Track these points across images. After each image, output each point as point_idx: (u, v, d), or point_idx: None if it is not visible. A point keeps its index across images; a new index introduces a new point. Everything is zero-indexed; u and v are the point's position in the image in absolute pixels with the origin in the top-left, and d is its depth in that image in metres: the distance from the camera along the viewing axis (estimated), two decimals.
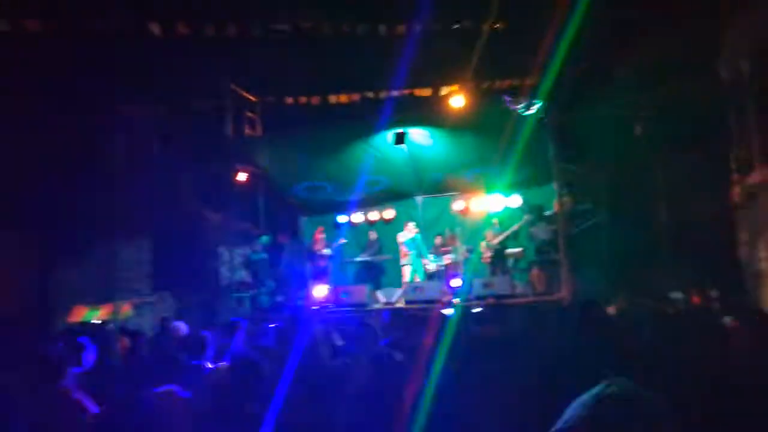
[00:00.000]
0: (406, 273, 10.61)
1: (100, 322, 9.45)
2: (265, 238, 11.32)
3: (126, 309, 10.00)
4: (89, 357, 4.86)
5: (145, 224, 10.93)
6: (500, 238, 10.26)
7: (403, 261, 10.78)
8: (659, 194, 9.84)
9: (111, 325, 8.97)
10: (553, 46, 8.94)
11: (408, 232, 10.81)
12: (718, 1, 9.75)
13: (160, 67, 12.13)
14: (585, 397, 1.14)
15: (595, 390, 1.15)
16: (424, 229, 11.19)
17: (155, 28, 10.74)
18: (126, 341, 5.69)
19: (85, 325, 9.43)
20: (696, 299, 6.74)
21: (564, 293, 8.61)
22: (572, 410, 1.12)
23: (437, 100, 13.24)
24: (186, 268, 10.46)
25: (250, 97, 12.28)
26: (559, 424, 1.12)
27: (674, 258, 8.99)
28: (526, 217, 10.32)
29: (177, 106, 12.41)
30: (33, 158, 10.34)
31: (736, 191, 9.02)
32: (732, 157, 9.04)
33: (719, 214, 9.11)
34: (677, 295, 7.54)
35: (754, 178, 8.44)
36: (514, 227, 10.27)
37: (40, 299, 9.85)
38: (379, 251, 11.29)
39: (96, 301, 9.88)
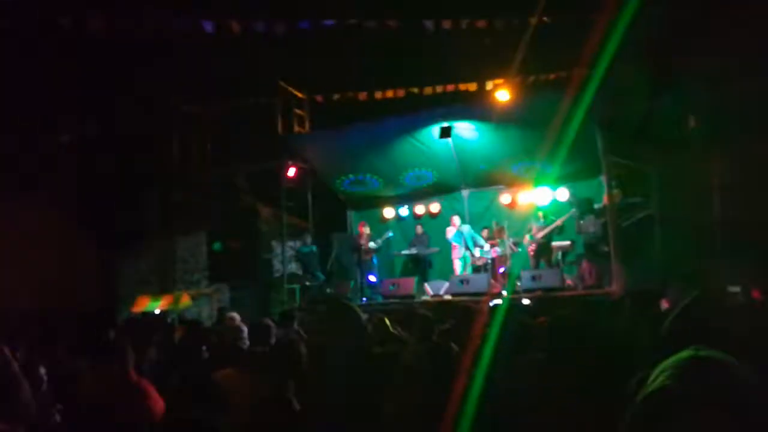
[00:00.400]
0: (456, 266, 10.71)
1: (160, 312, 9.97)
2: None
3: (185, 300, 10.49)
4: (150, 346, 5.17)
5: (202, 219, 11.43)
6: (545, 231, 10.25)
7: (453, 254, 10.88)
8: (713, 187, 9.62)
9: (171, 315, 9.47)
10: (603, 40, 8.85)
11: (454, 227, 10.89)
12: None
13: (212, 66, 12.60)
14: (674, 361, 1.08)
15: (685, 353, 1.09)
16: (470, 222, 11.25)
17: (208, 27, 11.08)
18: (182, 330, 5.96)
19: (147, 315, 9.99)
20: (756, 294, 6.60)
21: (614, 287, 8.55)
22: (661, 373, 1.07)
23: (483, 94, 13.26)
24: (241, 261, 10.87)
25: (299, 94, 12.60)
26: (650, 387, 1.06)
27: (730, 252, 8.79)
28: (572, 211, 10.27)
29: (230, 105, 12.86)
30: (95, 159, 10.95)
31: None
32: None
33: None
34: (735, 288, 7.40)
35: None
36: (558, 222, 10.23)
37: (107, 291, 10.44)
38: (426, 245, 11.42)
39: (157, 293, 10.38)
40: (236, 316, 6.09)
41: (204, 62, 12.56)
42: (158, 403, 3.19)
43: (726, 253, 8.95)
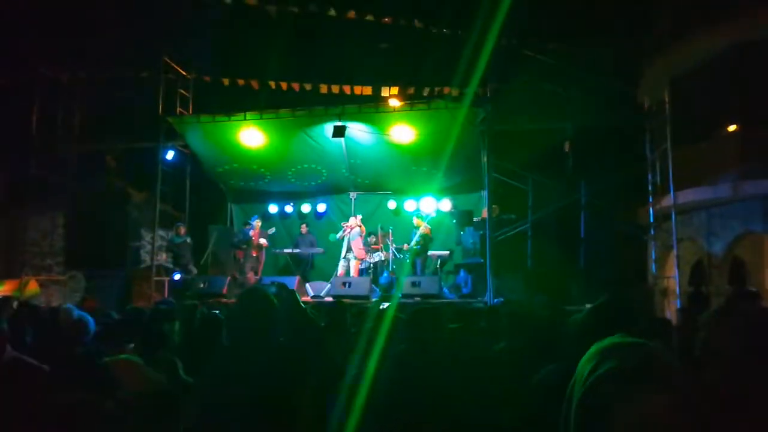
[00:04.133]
0: (340, 267, 10.60)
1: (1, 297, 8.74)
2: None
3: (32, 286, 9.31)
4: None
5: (61, 199, 10.21)
6: (412, 243, 10.46)
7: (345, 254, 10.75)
8: (580, 209, 10.43)
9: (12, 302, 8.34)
10: (490, 58, 9.28)
11: (347, 228, 10.78)
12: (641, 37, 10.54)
13: (90, 28, 11.42)
14: (608, 346, 1.11)
15: (615, 339, 1.13)
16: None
17: None
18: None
19: None
20: None
21: (487, 296, 8.92)
22: (599, 360, 1.09)
23: (378, 99, 13.36)
24: (103, 247, 9.86)
25: (185, 74, 11.81)
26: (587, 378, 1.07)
27: (590, 270, 9.56)
28: (422, 227, 10.52)
29: (106, 76, 11.74)
30: None
31: (649, 213, 9.74)
32: (649, 180, 9.74)
33: (633, 232, 9.80)
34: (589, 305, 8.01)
35: (667, 201, 9.15)
36: (417, 235, 10.48)
37: None
38: (311, 244, 11.19)
39: (1, 277, 9.12)
40: (72, 309, 5.35)
41: (82, 26, 11.35)
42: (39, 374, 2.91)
43: (585, 272, 9.75)
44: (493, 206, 9.90)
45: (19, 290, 9.21)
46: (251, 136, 10.66)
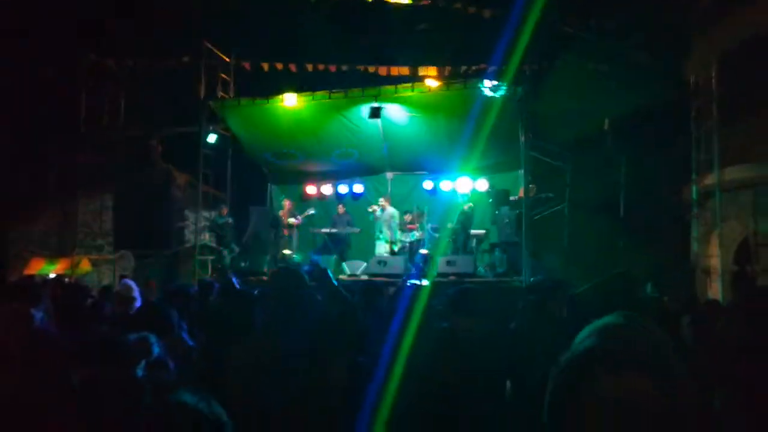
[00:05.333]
0: (379, 247, 10.74)
1: (55, 276, 9.26)
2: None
3: (84, 265, 9.79)
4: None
5: (109, 182, 10.65)
6: (455, 222, 10.47)
7: (377, 234, 10.90)
8: (620, 188, 10.24)
9: (66, 279, 8.82)
10: (531, 37, 9.13)
11: (380, 207, 10.90)
12: (688, 12, 10.15)
13: (133, 18, 11.76)
14: (598, 325, 1.10)
15: (609, 318, 1.10)
16: (393, 205, 11.31)
17: None
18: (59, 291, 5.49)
19: (38, 278, 9.23)
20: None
21: (524, 275, 8.90)
22: (587, 337, 1.07)
23: (415, 80, 13.33)
24: (150, 228, 10.26)
25: (225, 58, 12.05)
26: (574, 348, 1.07)
27: (630, 250, 9.40)
28: (466, 206, 10.50)
29: (149, 61, 12.08)
30: None
31: (693, 190, 9.48)
32: (693, 158, 9.47)
33: (676, 211, 9.56)
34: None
35: (712, 179, 8.89)
36: (457, 222, 10.47)
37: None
38: (348, 224, 11.35)
39: (55, 256, 9.61)
40: (132, 284, 5.62)
41: (125, 12, 11.69)
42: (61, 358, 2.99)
43: (627, 251, 9.59)
44: (531, 185, 9.82)
45: (72, 269, 9.71)
46: (289, 117, 10.83)
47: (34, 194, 9.87)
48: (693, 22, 10.30)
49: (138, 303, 5.07)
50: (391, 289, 7.24)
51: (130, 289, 5.41)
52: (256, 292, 5.08)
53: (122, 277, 9.32)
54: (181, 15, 11.89)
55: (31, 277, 8.16)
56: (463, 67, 13.56)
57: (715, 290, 8.56)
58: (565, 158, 10.37)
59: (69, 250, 9.94)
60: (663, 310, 3.77)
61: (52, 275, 9.46)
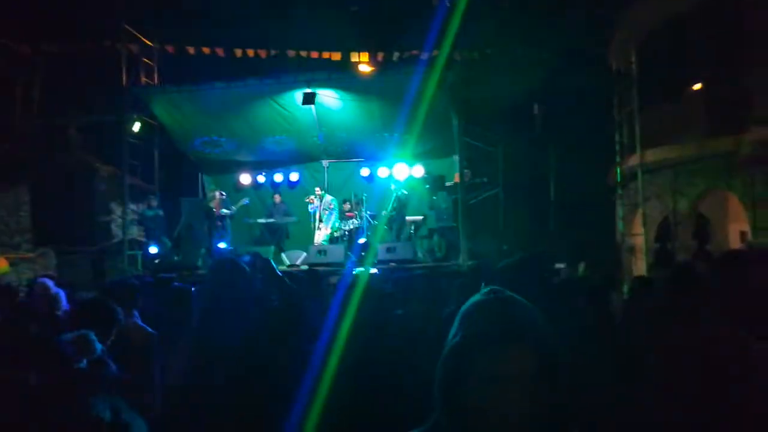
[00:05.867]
0: (316, 236, 10.63)
1: None
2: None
3: (2, 264, 9.14)
4: None
5: (23, 172, 9.94)
6: (389, 209, 10.53)
7: (314, 224, 10.77)
8: (550, 171, 10.59)
9: None
10: (462, 22, 9.22)
11: (317, 196, 10.78)
12: None
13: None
14: (477, 301, 1.16)
15: (484, 293, 1.17)
16: (330, 193, 11.20)
17: None
18: None
19: None
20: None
21: (461, 259, 9.07)
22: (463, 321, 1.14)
23: (347, 65, 13.19)
24: (72, 223, 9.68)
25: (148, 42, 11.45)
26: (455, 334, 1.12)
27: (560, 231, 9.76)
28: (402, 193, 10.60)
29: (66, 47, 11.32)
30: None
31: (618, 172, 9.94)
32: (617, 141, 9.90)
33: (602, 192, 10.00)
34: (561, 265, 8.24)
35: (634, 160, 9.34)
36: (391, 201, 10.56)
37: None
38: (284, 214, 11.16)
39: None
40: (49, 283, 5.31)
41: None
42: None
43: (556, 232, 9.96)
44: (465, 171, 9.98)
45: None
46: (219, 105, 10.47)
47: None
48: (613, 8, 10.72)
49: (64, 301, 4.81)
50: (333, 278, 7.21)
51: (47, 288, 5.10)
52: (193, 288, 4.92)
53: (43, 276, 8.77)
54: None
55: None
56: (396, 53, 13.55)
57: (640, 267, 9.05)
58: (497, 143, 10.60)
59: None
60: (592, 288, 3.95)
61: None
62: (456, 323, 1.16)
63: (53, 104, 10.99)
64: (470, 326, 1.11)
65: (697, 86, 9.30)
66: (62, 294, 4.90)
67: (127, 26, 10.83)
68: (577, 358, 1.76)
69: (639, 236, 9.33)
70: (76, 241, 9.95)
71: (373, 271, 8.30)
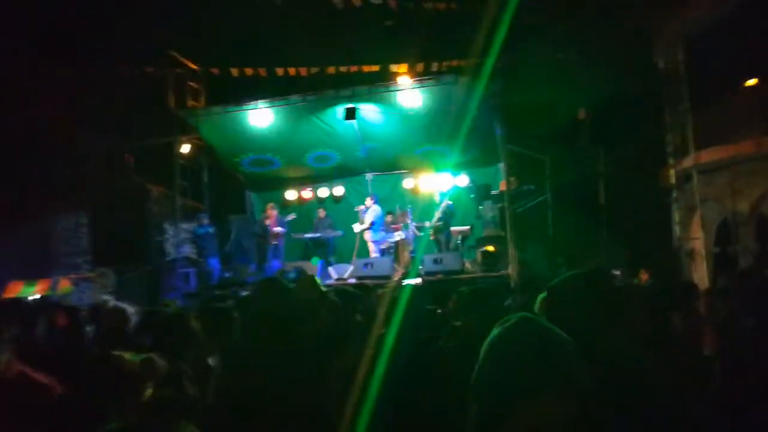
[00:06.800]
0: (361, 249, 10.68)
1: (36, 297, 8.99)
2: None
3: (64, 285, 9.52)
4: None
5: (84, 198, 10.38)
6: (433, 220, 10.46)
7: (357, 237, 10.83)
8: (599, 177, 10.35)
9: (48, 301, 8.56)
10: (500, 29, 9.14)
11: (365, 207, 10.83)
12: None
13: (98, 30, 11.44)
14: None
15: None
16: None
17: None
18: (64, 316, 5.40)
19: (18, 301, 8.96)
20: (644, 276, 7.18)
21: (510, 270, 8.94)
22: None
23: (387, 77, 13.25)
24: (128, 244, 10.03)
25: (193, 66, 11.81)
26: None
27: (613, 237, 9.51)
28: (446, 203, 10.51)
29: (117, 73, 11.76)
30: None
31: (671, 174, 9.63)
32: (668, 142, 9.61)
33: (655, 196, 9.70)
34: (616, 271, 8.02)
35: (688, 162, 9.03)
36: (437, 213, 10.47)
37: None
38: (329, 228, 11.26)
39: (33, 278, 9.33)
40: (109, 299, 5.58)
41: (88, 25, 11.36)
42: (48, 391, 2.85)
43: (609, 238, 9.70)
44: (511, 178, 9.87)
45: (52, 290, 9.43)
46: (264, 123, 10.69)
47: (8, 215, 9.60)
48: (659, 7, 10.46)
49: (133, 318, 4.98)
50: (380, 291, 7.22)
51: (117, 306, 5.31)
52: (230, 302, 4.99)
53: (104, 295, 9.09)
54: (144, 24, 11.61)
55: (18, 300, 7.95)
56: (435, 64, 13.54)
57: (701, 272, 8.71)
58: (543, 150, 10.44)
59: (47, 271, 9.66)
60: (652, 307, 3.79)
61: (31, 298, 9.18)
62: (486, 354, 1.10)
63: (106, 130, 11.42)
64: (502, 369, 1.05)
65: (752, 82, 8.95)
66: (132, 312, 5.08)
67: (172, 52, 11.20)
68: (640, 376, 1.67)
69: (697, 240, 8.99)
70: (132, 260, 10.31)
71: (417, 281, 8.28)
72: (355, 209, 10.98)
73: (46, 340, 4.71)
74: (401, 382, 2.58)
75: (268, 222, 10.92)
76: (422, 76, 12.19)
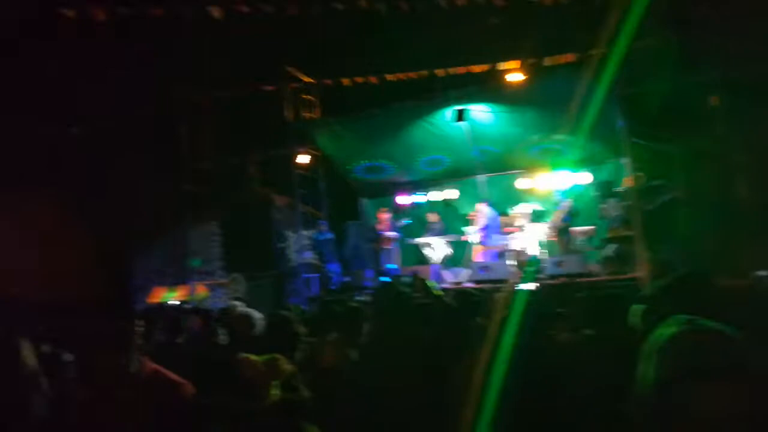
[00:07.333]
0: (476, 253, 10.57)
1: (177, 303, 9.85)
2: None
3: (201, 290, 10.37)
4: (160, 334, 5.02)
5: (214, 210, 11.28)
6: (554, 220, 10.05)
7: (470, 242, 10.73)
8: (738, 169, 9.44)
9: (188, 306, 9.34)
10: (622, 17, 8.62)
11: (477, 212, 10.72)
12: None
13: (218, 52, 12.30)
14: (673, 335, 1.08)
15: (682, 325, 1.09)
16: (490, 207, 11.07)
17: (215, 12, 10.69)
18: (199, 320, 5.81)
19: (162, 306, 9.88)
20: None
21: (640, 271, 8.40)
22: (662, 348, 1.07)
23: (496, 76, 13.01)
24: (256, 250, 10.74)
25: (307, 79, 12.32)
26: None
27: (759, 234, 8.61)
28: (567, 202, 10.04)
29: (236, 92, 12.58)
30: (105, 152, 10.74)
31: None
32: None
33: None
34: (764, 272, 7.24)
35: None
36: (558, 213, 10.02)
37: (123, 284, 10.35)
38: (442, 232, 11.25)
39: (173, 284, 10.26)
40: (238, 304, 5.94)
41: (207, 50, 12.26)
42: (181, 389, 3.01)
43: (753, 236, 8.79)
44: (638, 174, 9.27)
45: (190, 295, 10.30)
46: (375, 130, 10.94)
47: (150, 228, 10.66)
48: None
49: (259, 323, 5.25)
50: (499, 294, 7.08)
51: (246, 311, 5.65)
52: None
53: (235, 300, 9.77)
54: (261, 45, 12.30)
55: (163, 305, 8.80)
56: (546, 58, 13.07)
57: None
58: (673, 142, 9.70)
59: (185, 278, 10.59)
60: None
61: (172, 302, 10.08)
62: (652, 359, 1.09)
63: (231, 145, 12.23)
64: (678, 362, 1.04)
65: None
66: (257, 315, 5.39)
67: (288, 68, 11.77)
68: None
69: None
70: (261, 266, 11.05)
71: (536, 285, 8.01)
72: (467, 216, 10.88)
73: (184, 341, 5.13)
74: (519, 384, 2.53)
75: (380, 227, 11.15)
76: (534, 71, 11.84)
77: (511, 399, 2.51)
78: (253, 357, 3.03)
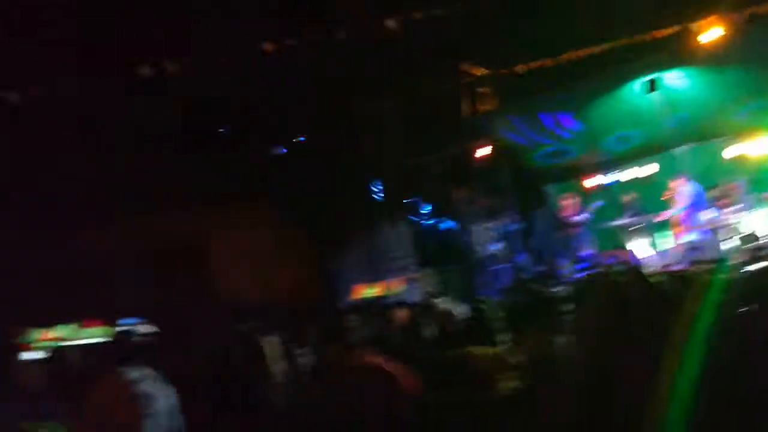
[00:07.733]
0: (680, 232, 9.73)
1: (378, 297, 10.67)
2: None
3: (397, 285, 11.07)
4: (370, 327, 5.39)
5: (402, 209, 11.96)
6: None
7: (673, 220, 9.91)
8: None
9: (388, 300, 10.06)
10: None
11: (675, 189, 9.86)
12: None
13: (393, 58, 12.92)
14: None
15: None
16: (690, 182, 10.10)
17: (390, 23, 11.25)
18: (405, 314, 6.14)
19: (366, 301, 10.76)
20: None
21: None
22: None
23: (687, 38, 11.81)
24: (444, 245, 11.14)
25: (479, 71, 12.33)
26: None
27: None
28: None
29: (411, 93, 13.08)
30: (303, 165, 12.01)
31: None
32: None
33: None
34: None
35: None
36: None
37: (327, 286, 11.56)
38: (638, 213, 10.51)
39: (372, 281, 11.14)
40: (438, 302, 6.12)
41: (384, 55, 12.93)
42: (406, 381, 3.19)
43: None
44: None
45: (388, 290, 11.05)
46: (554, 115, 10.65)
47: (346, 229, 11.76)
48: None
49: (457, 317, 5.46)
50: (721, 277, 6.43)
51: (449, 309, 5.91)
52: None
53: (430, 294, 10.25)
54: (432, 44, 12.62)
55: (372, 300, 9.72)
56: (748, 10, 11.49)
57: None
58: None
59: (383, 274, 11.39)
60: None
61: (372, 297, 10.91)
62: None
63: (412, 145, 12.77)
64: None
65: None
66: (458, 311, 5.60)
67: (462, 64, 11.91)
68: None
69: None
70: (450, 260, 11.45)
71: (761, 265, 7.10)
72: (665, 194, 10.02)
73: (393, 335, 5.49)
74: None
75: (566, 213, 10.81)
76: (736, 26, 10.51)
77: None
78: (480, 349, 3.24)
